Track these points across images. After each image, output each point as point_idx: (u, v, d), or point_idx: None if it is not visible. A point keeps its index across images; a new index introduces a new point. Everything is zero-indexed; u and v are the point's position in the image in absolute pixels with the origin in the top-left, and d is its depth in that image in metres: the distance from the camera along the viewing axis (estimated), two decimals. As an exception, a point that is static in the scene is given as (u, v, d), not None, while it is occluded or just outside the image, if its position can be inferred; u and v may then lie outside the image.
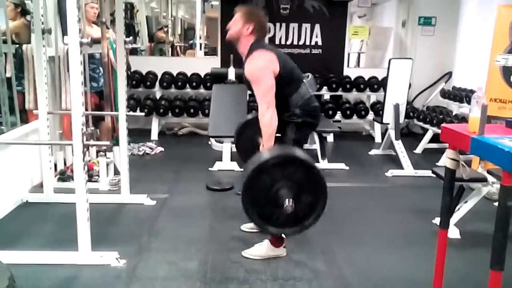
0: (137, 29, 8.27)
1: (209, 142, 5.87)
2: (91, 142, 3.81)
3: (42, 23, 3.63)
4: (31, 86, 4.13)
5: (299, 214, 2.43)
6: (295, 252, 2.98)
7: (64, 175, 4.17)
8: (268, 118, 2.66)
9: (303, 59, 6.67)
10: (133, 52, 7.23)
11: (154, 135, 6.34)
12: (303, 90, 2.82)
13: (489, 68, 4.47)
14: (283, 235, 2.84)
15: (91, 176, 4.18)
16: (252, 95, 2.95)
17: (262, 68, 2.69)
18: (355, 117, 6.63)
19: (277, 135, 2.90)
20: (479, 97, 1.99)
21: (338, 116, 6.54)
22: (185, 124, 6.74)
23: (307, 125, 2.87)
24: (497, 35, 4.39)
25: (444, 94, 6.46)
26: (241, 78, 4.32)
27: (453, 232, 3.28)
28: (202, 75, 6.59)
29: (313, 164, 2.44)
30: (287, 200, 2.33)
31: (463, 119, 5.35)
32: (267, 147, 2.67)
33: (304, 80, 2.84)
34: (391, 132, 5.28)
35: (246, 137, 3.27)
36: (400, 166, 5.03)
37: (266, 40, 6.40)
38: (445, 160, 2.17)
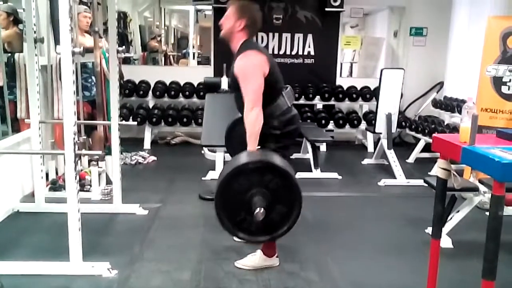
0: (130, 38, 8.27)
1: (202, 152, 5.85)
2: (83, 151, 3.81)
3: (35, 32, 3.62)
4: (23, 95, 4.10)
5: (270, 223, 2.37)
6: (287, 262, 2.96)
7: (56, 185, 4.14)
8: (253, 117, 2.57)
9: (296, 68, 6.73)
10: (126, 61, 7.24)
11: (147, 144, 6.32)
12: (281, 101, 2.75)
13: (480, 78, 4.52)
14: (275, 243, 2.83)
15: (83, 185, 4.15)
16: (236, 98, 2.80)
17: (253, 66, 2.62)
18: (347, 126, 6.68)
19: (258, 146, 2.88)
20: (470, 107, 2.00)
21: (330, 126, 6.58)
22: (178, 133, 6.73)
23: (286, 135, 2.79)
24: (487, 45, 4.45)
25: (436, 103, 6.51)
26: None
27: (446, 242, 3.28)
28: (195, 84, 6.61)
29: (292, 175, 2.37)
30: (258, 208, 2.27)
31: (454, 128, 5.39)
32: (250, 147, 2.60)
33: (282, 92, 2.78)
34: (384, 142, 5.31)
35: (237, 135, 3.19)
36: (392, 176, 5.05)
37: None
38: (437, 170, 2.18)
